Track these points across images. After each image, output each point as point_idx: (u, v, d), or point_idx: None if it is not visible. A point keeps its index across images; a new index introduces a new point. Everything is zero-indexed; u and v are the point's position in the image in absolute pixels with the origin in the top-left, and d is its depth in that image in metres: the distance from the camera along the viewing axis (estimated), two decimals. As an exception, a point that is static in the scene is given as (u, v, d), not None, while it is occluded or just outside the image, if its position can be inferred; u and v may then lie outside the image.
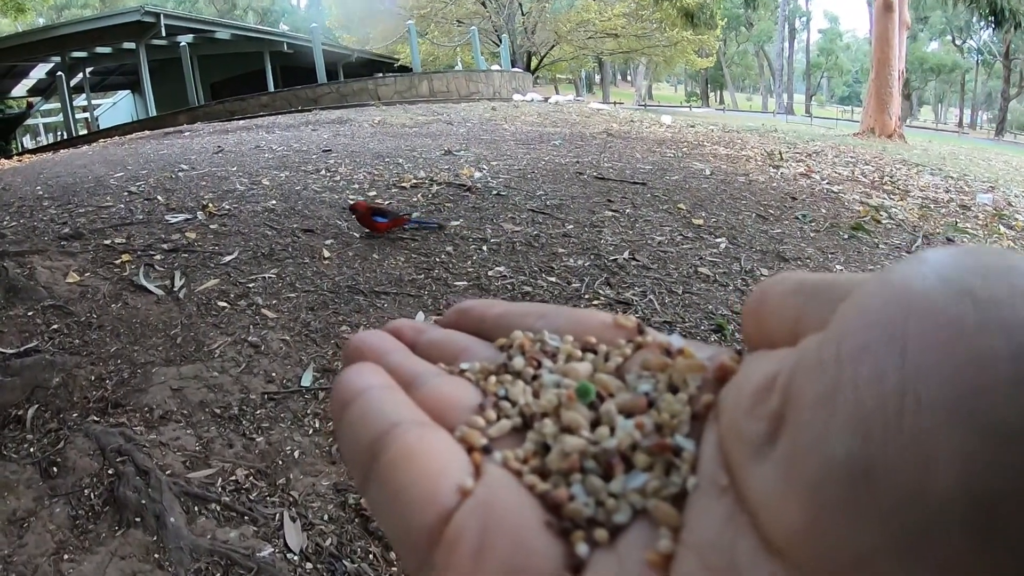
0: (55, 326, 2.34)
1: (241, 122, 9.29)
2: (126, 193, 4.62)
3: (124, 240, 3.25)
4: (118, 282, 2.74)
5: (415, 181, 4.81)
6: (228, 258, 3.00)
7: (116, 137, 9.07)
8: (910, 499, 0.12)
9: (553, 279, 3.07)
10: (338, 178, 5.01)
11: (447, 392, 0.21)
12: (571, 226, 3.84)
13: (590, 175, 5.37)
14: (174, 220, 3.59)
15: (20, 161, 7.57)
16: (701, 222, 4.15)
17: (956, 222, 5.05)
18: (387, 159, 5.93)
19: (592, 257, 3.31)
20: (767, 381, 0.16)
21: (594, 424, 0.19)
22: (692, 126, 10.33)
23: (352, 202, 3.62)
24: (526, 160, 5.96)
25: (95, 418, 1.81)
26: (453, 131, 8.23)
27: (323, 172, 5.25)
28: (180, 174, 5.33)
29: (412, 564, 0.17)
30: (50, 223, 3.74)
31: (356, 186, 4.73)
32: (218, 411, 1.84)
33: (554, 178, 5.19)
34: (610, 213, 4.20)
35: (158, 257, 3.04)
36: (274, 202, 4.10)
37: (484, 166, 5.56)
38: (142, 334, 2.26)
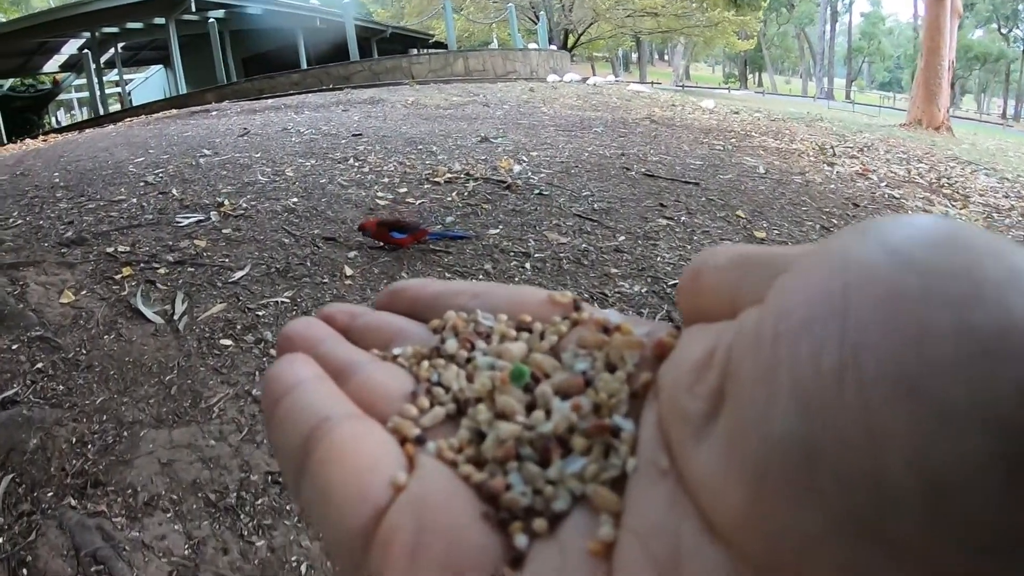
0: (40, 364, 2.02)
1: (270, 101, 8.95)
2: (142, 184, 4.30)
3: (128, 248, 2.93)
4: (115, 304, 2.41)
5: (449, 175, 4.42)
6: (239, 275, 2.65)
7: (143, 116, 8.80)
8: (856, 480, 0.11)
9: (608, 311, 2.67)
10: (367, 169, 4.64)
11: (379, 381, 0.20)
12: (622, 237, 3.42)
13: (638, 171, 4.92)
14: (185, 222, 3.26)
15: (46, 141, 7.34)
16: (763, 235, 3.71)
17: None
18: (420, 146, 5.54)
19: (649, 281, 2.89)
20: (705, 357, 0.16)
21: (529, 407, 0.18)
22: (736, 112, 9.72)
23: (362, 222, 3.18)
24: (568, 151, 5.52)
25: (72, 501, 1.49)
26: (490, 114, 7.80)
27: (351, 161, 4.88)
28: (202, 160, 5.01)
29: (347, 567, 0.16)
30: (56, 221, 3.43)
31: (386, 179, 4.36)
32: (213, 497, 1.49)
33: (600, 174, 4.76)
34: (664, 221, 3.76)
35: (162, 271, 2.70)
36: (295, 200, 3.74)
37: (524, 157, 5.14)
38: (133, 379, 1.93)
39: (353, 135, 6.03)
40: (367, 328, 0.23)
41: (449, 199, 3.92)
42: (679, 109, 9.38)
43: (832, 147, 6.98)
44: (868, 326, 0.12)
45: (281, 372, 0.20)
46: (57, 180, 4.78)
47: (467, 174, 4.45)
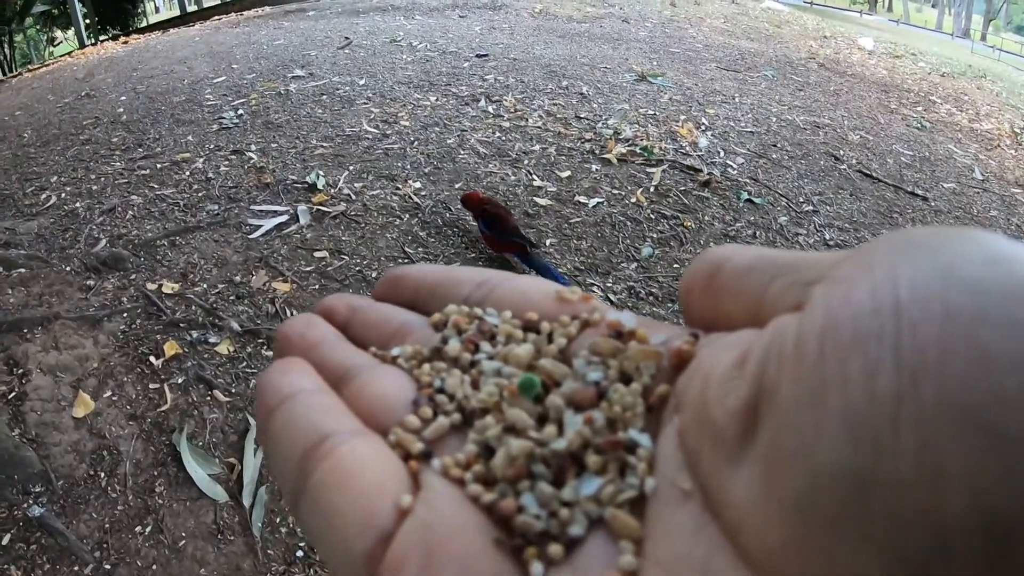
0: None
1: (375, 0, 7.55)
2: (214, 129, 3.20)
3: (177, 285, 1.86)
4: (152, 433, 1.37)
5: (622, 151, 3.07)
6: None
7: (232, 15, 7.64)
8: (913, 519, 0.10)
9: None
10: (505, 119, 3.35)
11: (379, 388, 0.19)
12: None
13: (848, 163, 3.50)
14: (261, 227, 2.14)
15: (126, 44, 6.35)
16: None
17: None
18: (564, 81, 4.16)
19: None
20: (734, 369, 0.14)
21: (540, 419, 0.17)
22: (897, 57, 7.69)
23: (468, 192, 2.21)
24: (749, 109, 4.08)
25: None
26: (632, 34, 6.22)
27: (482, 103, 3.59)
28: (292, 87, 3.85)
29: None
30: (94, 206, 2.40)
31: (536, 145, 3.07)
32: None
33: (808, 165, 3.35)
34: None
35: (221, 349, 1.64)
36: (419, 182, 2.53)
37: (703, 119, 3.70)
38: None
39: (477, 56, 4.68)
40: (367, 324, 0.21)
41: (633, 201, 2.61)
42: (836, 45, 7.48)
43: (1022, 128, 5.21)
44: (925, 349, 0.11)
45: (276, 380, 0.18)
46: (120, 111, 3.77)
47: (645, 149, 3.09)
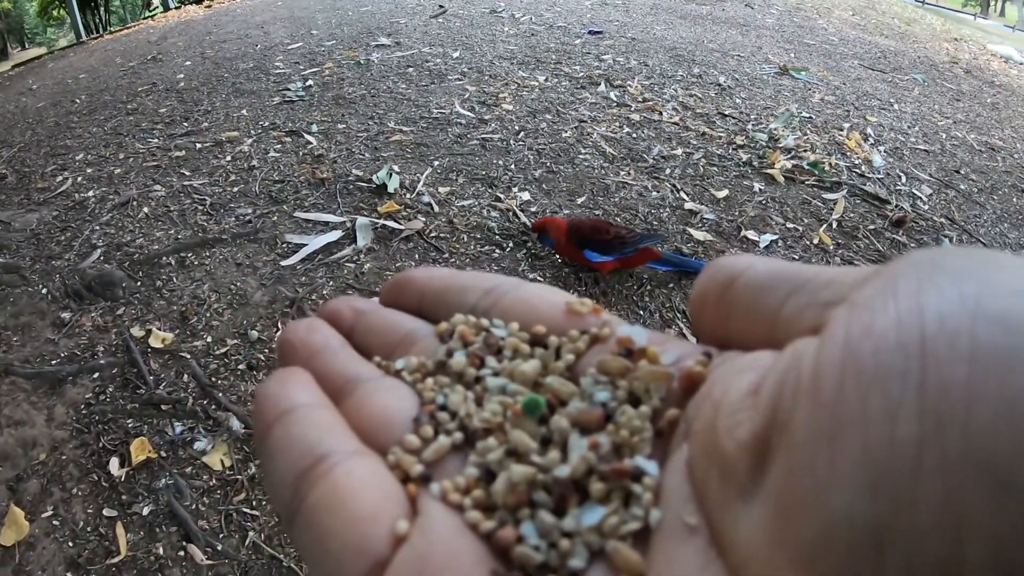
0: None
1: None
2: (274, 102, 2.57)
3: (173, 332, 1.21)
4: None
5: (787, 165, 2.25)
6: None
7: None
8: (930, 574, 0.10)
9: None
10: (633, 110, 2.57)
11: (379, 403, 0.18)
12: None
13: None
14: (300, 254, 1.45)
15: (209, 7, 5.87)
16: None
17: None
18: (696, 68, 3.34)
19: None
20: (747, 396, 0.13)
21: (544, 441, 0.16)
22: None
23: (540, 220, 1.54)
24: (912, 121, 3.17)
25: None
26: (758, 20, 5.30)
27: (602, 87, 2.82)
28: (374, 56, 3.21)
29: None
30: (119, 184, 1.80)
31: (678, 150, 2.28)
32: None
33: (1002, 203, 2.47)
34: None
35: (207, 487, 0.97)
36: (526, 195, 1.80)
37: (868, 129, 2.82)
38: None
39: (590, 32, 3.90)
40: (371, 329, 0.20)
41: (816, 243, 1.80)
42: (970, 49, 6.27)
43: None
44: (951, 393, 0.10)
45: (275, 393, 0.17)
46: (180, 77, 3.22)
47: (814, 165, 2.25)
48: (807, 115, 2.85)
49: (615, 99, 2.68)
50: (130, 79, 3.43)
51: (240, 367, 1.16)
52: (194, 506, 0.97)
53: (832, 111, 3.02)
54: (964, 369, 0.10)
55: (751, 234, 1.76)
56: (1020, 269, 0.11)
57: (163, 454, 1.05)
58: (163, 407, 1.12)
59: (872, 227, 1.97)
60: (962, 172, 2.67)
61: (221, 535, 0.93)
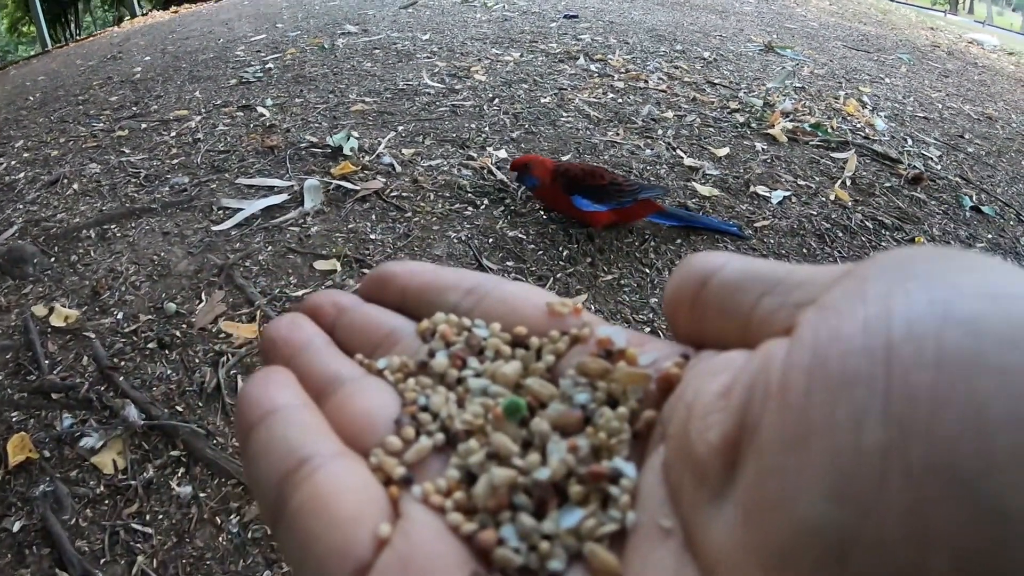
0: None
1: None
2: (231, 83, 2.36)
3: (80, 308, 0.99)
4: None
5: (787, 126, 2.06)
6: None
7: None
8: None
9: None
10: (616, 79, 2.38)
11: (362, 404, 0.17)
12: None
13: None
14: (234, 218, 1.23)
15: (176, 12, 5.65)
16: None
17: None
18: (679, 46, 3.17)
19: None
20: (719, 399, 0.13)
21: (524, 444, 0.16)
22: (1011, 54, 6.37)
23: (519, 158, 1.30)
24: (906, 93, 3.03)
25: None
26: (736, 7, 5.19)
27: (581, 60, 2.63)
28: (340, 41, 3.01)
29: None
30: (54, 165, 1.57)
31: (668, 112, 2.09)
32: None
33: (1012, 166, 2.33)
34: None
35: (93, 496, 0.75)
36: (503, 152, 1.59)
37: (864, 97, 2.66)
38: None
39: (566, 16, 3.73)
40: (354, 327, 0.20)
41: (833, 199, 1.62)
42: (948, 36, 6.22)
43: None
44: (916, 399, 0.10)
45: (257, 394, 0.17)
46: (137, 71, 3.00)
47: (816, 127, 2.08)
48: (798, 85, 2.68)
49: (596, 71, 2.50)
50: (87, 76, 3.21)
51: (150, 345, 0.94)
52: (74, 520, 0.75)
53: (824, 83, 2.85)
54: (930, 375, 0.10)
55: (761, 189, 1.56)
56: (992, 271, 0.11)
57: (46, 454, 0.82)
58: (53, 395, 0.89)
59: (887, 185, 1.79)
60: (966, 137, 2.51)
61: (103, 560, 0.71)
